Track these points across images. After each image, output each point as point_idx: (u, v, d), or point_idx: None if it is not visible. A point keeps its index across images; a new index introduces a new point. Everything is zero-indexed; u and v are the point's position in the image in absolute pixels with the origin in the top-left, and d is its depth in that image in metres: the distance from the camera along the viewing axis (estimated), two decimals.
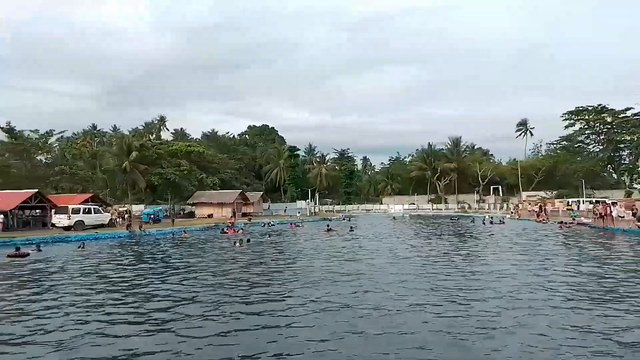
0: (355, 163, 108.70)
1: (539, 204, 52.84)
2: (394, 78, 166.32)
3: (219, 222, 42.25)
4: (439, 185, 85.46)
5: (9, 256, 18.95)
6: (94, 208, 36.23)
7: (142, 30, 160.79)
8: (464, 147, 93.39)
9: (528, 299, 10.07)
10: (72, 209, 33.76)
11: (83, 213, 34.20)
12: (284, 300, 10.64)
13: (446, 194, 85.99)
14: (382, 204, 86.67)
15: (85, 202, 38.36)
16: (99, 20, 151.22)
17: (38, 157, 54.20)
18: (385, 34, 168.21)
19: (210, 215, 54.38)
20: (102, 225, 35.19)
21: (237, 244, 23.40)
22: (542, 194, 68.62)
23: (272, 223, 43.60)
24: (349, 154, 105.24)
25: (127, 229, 32.95)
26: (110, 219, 37.20)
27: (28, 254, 19.60)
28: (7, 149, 49.29)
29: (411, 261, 16.74)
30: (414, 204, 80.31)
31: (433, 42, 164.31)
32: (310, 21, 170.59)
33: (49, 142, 54.47)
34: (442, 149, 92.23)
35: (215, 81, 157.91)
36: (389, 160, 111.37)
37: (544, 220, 40.86)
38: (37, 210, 38.33)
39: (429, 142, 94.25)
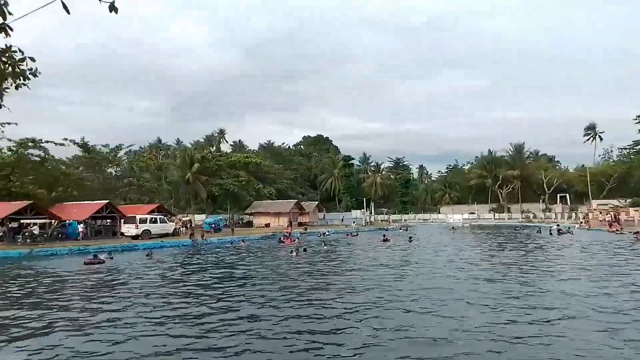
0: (411, 172, 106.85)
1: (612, 213, 49.13)
2: (451, 83, 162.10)
3: (276, 232, 42.94)
4: (501, 193, 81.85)
5: (86, 263, 20.35)
6: (159, 218, 38.07)
7: (203, 47, 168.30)
8: (527, 153, 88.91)
9: (601, 326, 9.27)
10: (140, 218, 35.66)
11: (150, 222, 36.05)
12: (338, 309, 10.54)
13: (509, 203, 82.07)
14: (440, 213, 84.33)
15: (151, 212, 40.36)
16: (165, 40, 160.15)
17: (108, 170, 57.98)
18: (443, 38, 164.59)
19: (267, 225, 55.44)
20: (167, 234, 36.85)
21: (294, 253, 23.61)
22: (614, 202, 63.68)
23: (327, 233, 43.70)
24: (405, 163, 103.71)
25: (190, 238, 34.31)
26: (175, 228, 38.89)
27: (104, 261, 20.95)
28: (81, 163, 53.15)
29: (473, 275, 16.03)
30: (474, 213, 77.40)
31: (493, 45, 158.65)
32: (366, 29, 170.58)
33: (118, 156, 58.14)
34: (504, 155, 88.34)
35: (272, 93, 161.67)
36: (447, 168, 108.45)
37: (617, 230, 37.88)
38: (108, 220, 40.81)
39: (489, 149, 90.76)
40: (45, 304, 12.18)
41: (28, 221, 31.89)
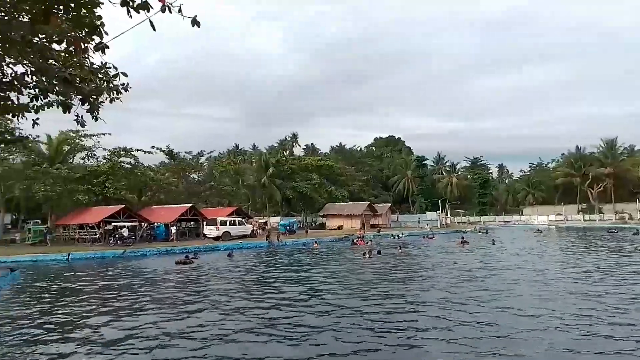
0: (489, 171, 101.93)
1: None
2: (533, 78, 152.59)
3: (349, 234, 43.00)
4: (591, 193, 75.31)
5: (176, 263, 21.85)
6: (238, 220, 39.78)
7: (276, 55, 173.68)
8: (621, 149, 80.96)
9: None
10: (220, 221, 37.50)
11: (229, 225, 37.79)
12: (411, 314, 10.28)
13: (600, 203, 75.28)
14: (522, 214, 79.50)
15: (230, 214, 42.24)
16: (241, 50, 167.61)
17: (192, 175, 61.56)
18: (523, 31, 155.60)
19: (340, 227, 55.71)
20: (245, 236, 38.38)
21: (367, 256, 23.51)
22: None
23: (400, 235, 42.89)
24: (482, 162, 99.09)
25: (266, 240, 35.45)
26: (252, 230, 40.41)
27: (192, 262, 22.44)
28: (167, 169, 57.02)
29: (564, 282, 14.75)
30: (561, 214, 71.97)
31: (578, 36, 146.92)
32: (441, 26, 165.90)
33: (200, 162, 61.63)
34: (594, 152, 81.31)
35: (344, 96, 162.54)
36: (530, 166, 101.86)
37: None
38: (191, 223, 43.30)
39: (577, 146, 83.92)
40: (154, 295, 13.20)
41: (118, 224, 34.76)
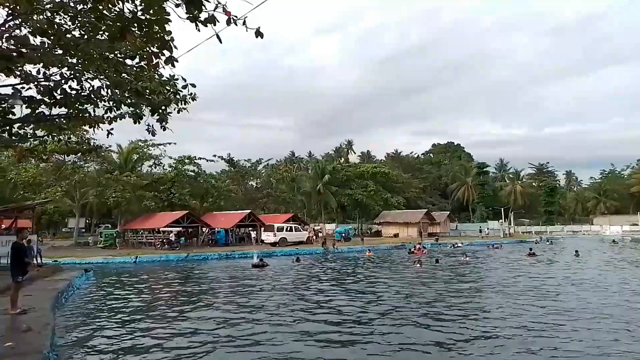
0: (556, 179, 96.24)
1: None
2: (604, 82, 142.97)
3: (405, 242, 42.17)
4: None
5: (253, 266, 22.98)
6: (294, 226, 40.29)
7: (334, 66, 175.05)
8: None
9: None
10: (277, 227, 38.16)
11: (286, 231, 38.36)
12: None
13: None
14: (592, 224, 74.24)
15: (287, 221, 42.85)
16: (301, 62, 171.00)
17: (250, 183, 63.28)
18: (592, 35, 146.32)
19: (396, 235, 54.82)
20: (301, 242, 38.76)
21: (418, 265, 23.01)
22: None
23: (460, 244, 41.26)
24: (549, 169, 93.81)
25: (322, 246, 35.60)
26: (308, 237, 40.74)
27: (267, 264, 23.38)
28: (228, 176, 58.97)
29: None
30: (637, 224, 66.41)
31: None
32: (507, 31, 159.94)
33: (258, 169, 63.26)
34: None
35: (402, 104, 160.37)
36: (601, 174, 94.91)
37: None
38: (250, 228, 44.34)
39: None
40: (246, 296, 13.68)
41: (166, 229, 35.79)
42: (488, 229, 59.28)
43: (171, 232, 35.94)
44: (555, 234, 64.44)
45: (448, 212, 65.87)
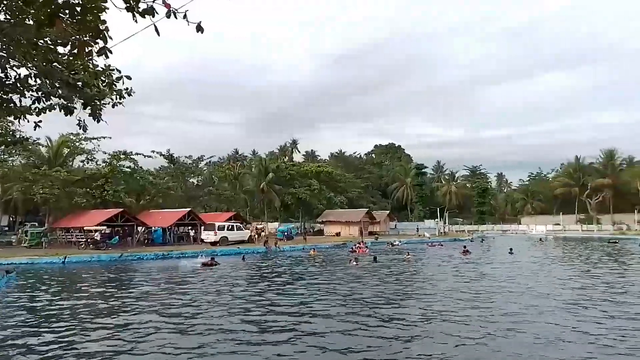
0: (488, 180, 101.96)
1: None
2: (536, 88, 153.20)
3: (347, 240, 42.91)
4: (590, 203, 75.44)
5: (203, 265, 22.91)
6: (236, 225, 39.72)
7: (284, 62, 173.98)
8: (620, 160, 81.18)
9: None
10: (218, 226, 37.45)
11: (227, 230, 37.73)
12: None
13: (598, 214, 75.37)
14: (520, 224, 79.52)
15: (228, 219, 42.16)
16: (248, 56, 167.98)
17: (191, 180, 61.55)
18: (533, 40, 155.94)
19: (337, 234, 55.60)
20: (242, 241, 38.30)
21: (354, 263, 23.68)
22: None
23: (396, 242, 42.51)
24: (482, 171, 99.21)
25: (264, 245, 35.40)
26: (250, 236, 40.34)
27: (218, 264, 23.39)
28: (166, 173, 57.01)
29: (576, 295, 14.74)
30: (559, 224, 71.99)
31: (584, 45, 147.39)
32: (449, 36, 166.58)
33: (199, 166, 61.69)
34: (593, 162, 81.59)
35: (350, 103, 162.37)
36: (529, 176, 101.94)
37: None
38: (189, 227, 43.16)
39: (576, 156, 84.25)
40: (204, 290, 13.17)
41: (90, 228, 33.85)
42: (427, 229, 61.65)
43: (97, 231, 33.95)
44: (487, 233, 68.24)
45: (388, 212, 67.81)
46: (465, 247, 33.51)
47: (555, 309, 11.65)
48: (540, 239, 50.66)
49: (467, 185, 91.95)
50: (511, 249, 31.87)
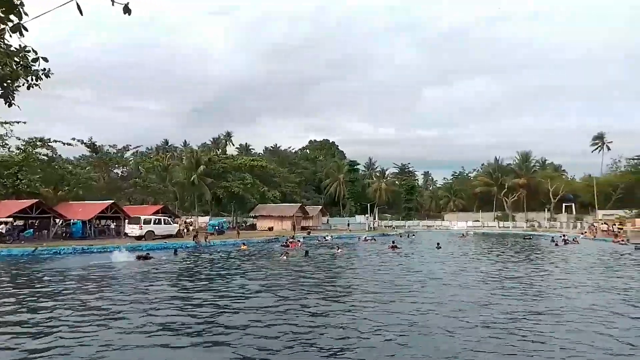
0: (416, 178, 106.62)
1: (616, 223, 48.77)
2: (463, 92, 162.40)
3: (279, 235, 42.92)
4: (506, 202, 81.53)
5: (138, 258, 22.65)
6: (163, 219, 38.21)
7: (219, 52, 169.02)
8: (534, 161, 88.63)
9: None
10: (144, 219, 35.79)
11: (154, 223, 36.19)
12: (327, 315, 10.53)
13: (514, 212, 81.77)
14: (444, 220, 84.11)
15: (155, 213, 40.49)
16: (182, 44, 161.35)
17: (115, 171, 58.22)
18: (459, 47, 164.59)
19: (270, 228, 55.49)
20: (170, 236, 36.97)
21: (284, 257, 23.91)
22: (620, 212, 63.26)
23: (327, 237, 43.16)
24: (410, 169, 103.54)
25: (193, 240, 34.39)
26: (178, 230, 39.02)
27: (152, 257, 23.19)
28: (88, 163, 53.47)
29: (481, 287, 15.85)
30: (479, 221, 77.12)
31: (505, 53, 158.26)
32: (384, 37, 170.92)
33: (125, 157, 58.51)
34: (510, 163, 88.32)
35: (286, 98, 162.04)
36: (453, 175, 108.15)
37: (622, 241, 37.70)
38: (112, 221, 40.86)
39: (495, 157, 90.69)
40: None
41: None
42: (359, 224, 63.24)
43: (6, 223, 31.20)
44: (413, 228, 71.39)
45: (321, 207, 68.73)
46: (393, 242, 34.77)
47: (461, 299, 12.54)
48: (463, 235, 53.93)
49: (397, 182, 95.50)
50: (439, 244, 33.63)
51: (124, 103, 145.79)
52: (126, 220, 37.22)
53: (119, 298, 12.65)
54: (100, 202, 39.00)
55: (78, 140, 47.44)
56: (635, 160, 77.66)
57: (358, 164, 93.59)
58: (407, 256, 26.79)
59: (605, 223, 50.48)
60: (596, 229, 49.92)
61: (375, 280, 16.16)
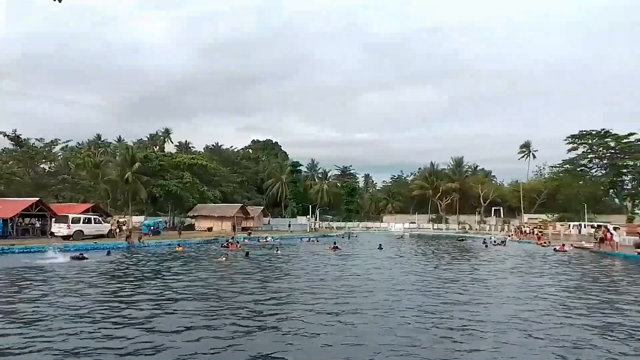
0: (357, 180, 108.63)
1: (539, 227, 52.68)
2: (403, 98, 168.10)
3: (219, 236, 42.10)
4: (440, 205, 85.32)
5: (72, 258, 21.85)
6: (94, 218, 36.23)
7: (159, 46, 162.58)
8: (466, 167, 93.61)
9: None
10: (72, 218, 33.78)
11: (83, 223, 34.23)
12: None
13: (447, 214, 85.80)
14: (382, 222, 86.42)
15: (86, 211, 38.39)
16: (118, 36, 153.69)
17: (42, 166, 54.44)
18: (400, 55, 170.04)
19: (209, 229, 54.29)
20: (101, 236, 35.17)
21: (224, 259, 23.57)
22: (543, 216, 68.43)
23: (267, 238, 42.87)
24: (351, 171, 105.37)
25: (126, 240, 32.88)
26: (110, 230, 37.18)
27: (87, 258, 22.28)
28: (11, 157, 49.62)
29: (417, 287, 16.49)
30: (415, 223, 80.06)
31: (444, 63, 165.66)
32: (327, 41, 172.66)
33: (53, 151, 54.86)
34: (445, 168, 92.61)
35: (229, 96, 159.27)
36: (391, 178, 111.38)
37: (545, 243, 40.79)
38: (38, 219, 38.24)
39: (431, 162, 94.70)
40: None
41: None
42: (299, 225, 63.42)
43: None
44: (353, 230, 72.77)
45: (262, 207, 68.25)
46: (335, 243, 35.22)
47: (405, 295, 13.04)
48: (402, 236, 55.74)
49: (338, 184, 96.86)
50: (380, 245, 34.52)
51: (53, 95, 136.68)
52: (53, 219, 34.92)
53: (46, 301, 11.87)
54: (24, 199, 36.37)
55: (0, 133, 43.98)
56: (557, 168, 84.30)
57: (301, 165, 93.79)
58: (348, 257, 27.28)
59: (527, 226, 54.35)
60: (521, 232, 53.59)
61: (314, 281, 16.35)
